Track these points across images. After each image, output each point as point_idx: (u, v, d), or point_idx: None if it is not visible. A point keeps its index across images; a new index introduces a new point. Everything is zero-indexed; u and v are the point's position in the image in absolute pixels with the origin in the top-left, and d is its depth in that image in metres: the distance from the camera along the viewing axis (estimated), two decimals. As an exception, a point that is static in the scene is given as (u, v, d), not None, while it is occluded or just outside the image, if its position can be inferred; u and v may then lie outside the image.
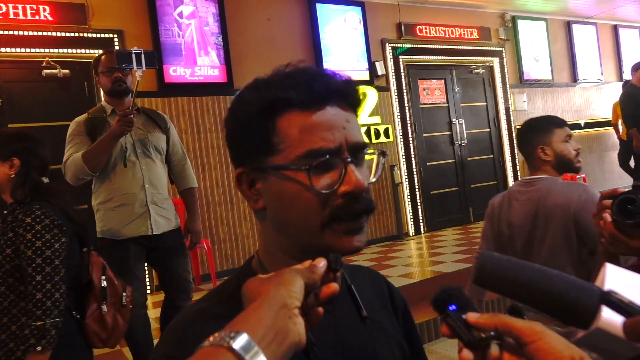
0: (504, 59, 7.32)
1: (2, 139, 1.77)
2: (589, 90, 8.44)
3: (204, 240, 4.57)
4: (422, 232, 6.39)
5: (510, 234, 1.98)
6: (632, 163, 6.73)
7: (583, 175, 6.82)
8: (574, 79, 8.20)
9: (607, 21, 8.67)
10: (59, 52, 4.48)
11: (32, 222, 1.59)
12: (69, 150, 2.55)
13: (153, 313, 3.62)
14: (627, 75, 7.57)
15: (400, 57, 6.43)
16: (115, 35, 4.70)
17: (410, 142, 6.41)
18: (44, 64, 4.39)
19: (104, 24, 4.69)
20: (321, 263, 0.55)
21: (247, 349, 0.43)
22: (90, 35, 4.61)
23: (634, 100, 5.80)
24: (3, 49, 4.27)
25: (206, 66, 5.12)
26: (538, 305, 0.55)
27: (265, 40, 5.50)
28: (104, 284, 1.76)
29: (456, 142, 6.93)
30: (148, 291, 4.05)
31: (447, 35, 6.81)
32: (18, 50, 4.33)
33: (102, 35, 4.66)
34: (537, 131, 1.95)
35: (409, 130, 6.41)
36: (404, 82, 6.43)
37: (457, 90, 7.02)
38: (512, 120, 7.35)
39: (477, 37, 7.06)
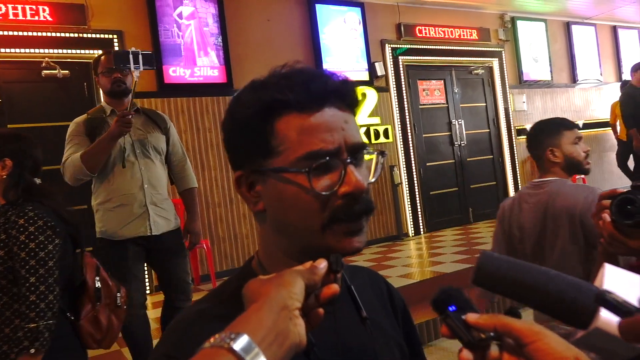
0: (504, 59, 7.33)
1: None
2: (588, 90, 8.45)
3: (203, 241, 4.57)
4: (422, 232, 6.39)
5: (521, 237, 1.99)
6: (630, 163, 6.74)
7: (582, 176, 6.82)
8: (573, 79, 8.21)
9: (606, 22, 8.68)
10: (58, 53, 4.48)
11: (25, 223, 1.57)
12: (68, 151, 2.55)
13: (153, 313, 3.62)
14: (627, 75, 7.58)
15: (399, 57, 6.43)
16: (115, 36, 4.70)
17: (410, 142, 6.42)
18: (44, 64, 4.39)
19: (103, 24, 4.69)
20: (322, 264, 0.55)
21: (247, 350, 0.43)
22: (89, 35, 4.61)
23: (634, 100, 5.82)
24: (2, 50, 4.27)
25: (206, 67, 5.12)
26: (537, 305, 0.56)
27: (265, 41, 5.50)
28: (98, 284, 1.75)
29: (456, 143, 6.93)
30: (148, 291, 4.05)
31: (446, 36, 6.82)
32: (18, 50, 4.33)
33: (102, 36, 4.66)
34: (547, 133, 1.96)
35: (409, 131, 6.41)
36: (403, 83, 6.43)
37: (456, 90, 7.02)
38: (511, 120, 7.36)
39: (477, 38, 7.07)
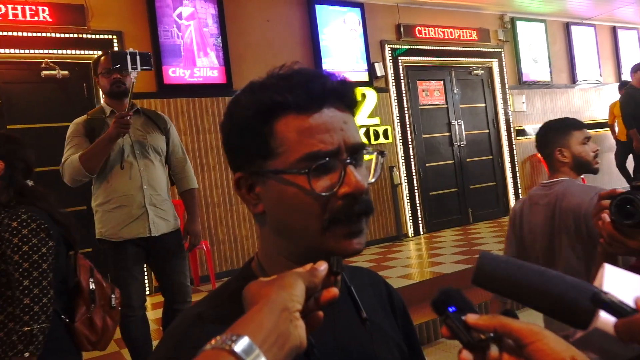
0: (503, 60, 7.33)
1: None
2: (587, 91, 8.46)
3: (203, 242, 4.57)
4: (421, 233, 6.39)
5: (533, 238, 2.00)
6: (629, 164, 6.74)
7: (582, 176, 6.81)
8: (573, 80, 8.22)
9: (606, 22, 8.69)
10: (58, 53, 4.48)
11: (19, 226, 1.56)
12: (67, 152, 2.55)
13: (152, 314, 3.62)
14: (626, 76, 7.58)
15: (399, 58, 6.44)
16: (115, 37, 4.70)
17: (410, 143, 6.42)
18: (43, 65, 4.39)
19: (103, 25, 4.69)
20: (322, 266, 0.55)
21: (248, 352, 0.43)
22: (89, 36, 4.61)
23: (634, 101, 5.82)
24: (2, 50, 4.27)
25: (205, 67, 5.12)
26: (537, 306, 0.56)
27: (265, 42, 5.51)
28: (92, 286, 1.74)
29: (455, 143, 6.94)
30: (147, 292, 4.05)
31: (446, 37, 6.82)
32: (17, 51, 4.33)
33: (102, 37, 4.66)
34: (555, 133, 1.97)
35: (408, 132, 6.41)
36: (403, 83, 6.43)
37: (456, 91, 7.02)
38: (511, 121, 7.36)
39: (476, 39, 7.07)
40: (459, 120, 6.98)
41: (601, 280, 0.64)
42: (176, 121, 4.86)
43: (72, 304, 1.71)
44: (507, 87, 7.35)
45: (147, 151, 2.61)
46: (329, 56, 5.88)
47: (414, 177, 6.42)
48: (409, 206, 6.33)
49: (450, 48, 6.84)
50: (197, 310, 0.68)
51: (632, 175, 6.70)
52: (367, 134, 6.02)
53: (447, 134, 6.91)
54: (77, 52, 4.56)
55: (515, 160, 7.34)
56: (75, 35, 4.55)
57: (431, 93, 6.85)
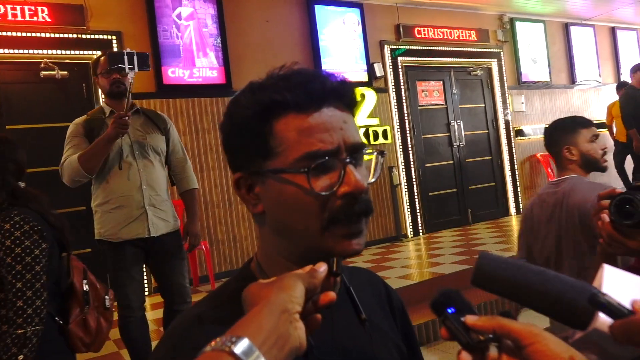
0: (502, 60, 7.34)
1: None
2: (586, 91, 8.46)
3: (202, 242, 4.56)
4: (421, 233, 6.39)
5: (544, 235, 2.01)
6: (628, 164, 6.74)
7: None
8: (572, 80, 8.22)
9: (605, 23, 8.70)
10: (57, 54, 4.48)
11: (11, 228, 1.54)
12: (66, 152, 2.55)
13: (151, 315, 3.61)
14: (625, 76, 7.59)
15: (398, 58, 6.44)
16: (114, 37, 4.70)
17: (409, 143, 6.42)
18: (42, 65, 4.39)
19: (102, 25, 4.69)
20: (322, 268, 0.55)
21: (248, 354, 0.43)
22: (88, 36, 4.61)
23: (634, 101, 5.83)
24: (1, 50, 4.27)
25: (205, 67, 5.12)
26: (537, 306, 0.56)
27: (264, 42, 5.51)
28: (86, 288, 1.73)
29: (454, 144, 6.94)
30: (146, 293, 4.04)
31: (445, 37, 6.82)
32: (16, 51, 4.32)
33: (101, 37, 4.66)
34: (563, 131, 1.98)
35: (408, 132, 6.41)
36: (402, 84, 6.43)
37: (455, 91, 7.03)
38: (510, 121, 7.36)
39: (476, 39, 7.08)
40: (458, 121, 6.99)
41: (600, 281, 0.64)
42: (175, 121, 4.86)
43: (66, 305, 1.70)
44: (506, 87, 7.36)
45: (146, 151, 2.60)
46: (328, 56, 5.88)
47: (414, 177, 6.42)
48: (408, 206, 6.33)
49: (449, 48, 6.84)
50: (196, 311, 0.68)
51: (630, 176, 6.71)
52: (366, 134, 6.02)
53: (447, 134, 6.91)
54: (76, 52, 4.56)
55: (515, 161, 7.34)
56: (75, 36, 4.55)
57: (430, 93, 6.85)
